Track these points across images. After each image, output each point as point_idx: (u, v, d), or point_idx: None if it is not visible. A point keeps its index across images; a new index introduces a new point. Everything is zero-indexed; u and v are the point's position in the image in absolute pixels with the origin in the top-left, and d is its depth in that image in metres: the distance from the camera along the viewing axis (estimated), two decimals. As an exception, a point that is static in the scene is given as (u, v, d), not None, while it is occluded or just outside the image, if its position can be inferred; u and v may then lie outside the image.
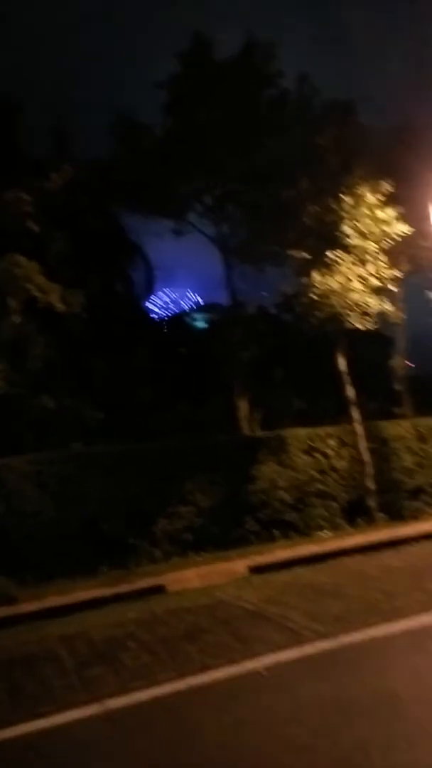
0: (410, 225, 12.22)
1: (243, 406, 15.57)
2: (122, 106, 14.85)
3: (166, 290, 46.20)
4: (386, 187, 11.95)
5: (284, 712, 3.99)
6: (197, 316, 31.57)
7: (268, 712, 4.03)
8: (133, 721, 4.22)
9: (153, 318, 28.33)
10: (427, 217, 12.95)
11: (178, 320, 29.70)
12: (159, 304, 43.06)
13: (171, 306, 45.25)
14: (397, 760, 3.11)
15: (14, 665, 5.85)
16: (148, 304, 26.44)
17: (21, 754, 3.98)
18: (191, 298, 47.89)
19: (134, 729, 4.08)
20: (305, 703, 4.10)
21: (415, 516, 12.33)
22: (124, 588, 8.62)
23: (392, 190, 11.98)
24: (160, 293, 44.17)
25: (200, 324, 29.50)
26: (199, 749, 3.65)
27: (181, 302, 47.02)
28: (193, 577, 9.10)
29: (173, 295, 48.20)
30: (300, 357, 20.39)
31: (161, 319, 30.94)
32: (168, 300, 46.29)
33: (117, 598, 8.19)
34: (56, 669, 5.52)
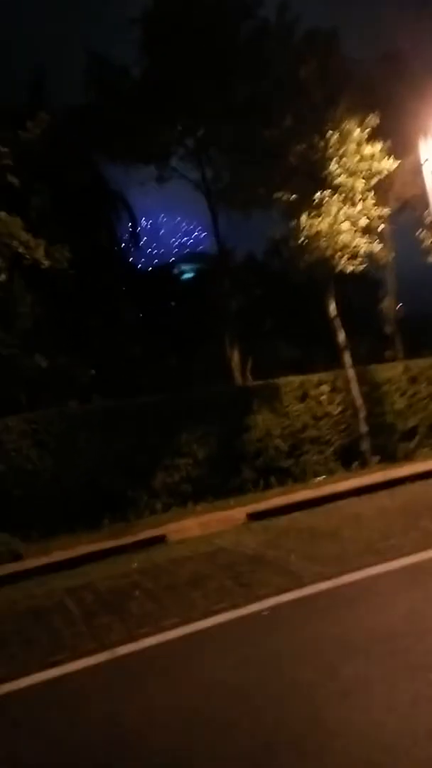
0: (398, 159, 11.89)
1: (234, 357, 15.54)
2: (95, 46, 14.02)
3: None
4: (373, 120, 11.55)
5: (287, 652, 4.15)
6: (184, 266, 31.08)
7: (271, 652, 4.19)
8: (142, 666, 4.38)
9: (140, 270, 27.87)
10: (416, 150, 12.57)
11: (166, 271, 29.25)
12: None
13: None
14: (398, 694, 3.25)
15: (24, 618, 6.04)
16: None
17: (37, 701, 4.15)
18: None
19: (143, 674, 4.25)
20: (307, 642, 4.26)
21: (408, 457, 12.57)
22: (126, 540, 8.83)
23: (378, 123, 11.58)
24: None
25: (188, 275, 29.09)
26: (206, 689, 3.81)
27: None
28: (193, 526, 9.31)
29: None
30: (289, 304, 20.26)
31: (149, 269, 30.45)
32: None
33: (120, 550, 8.40)
34: (65, 620, 5.70)
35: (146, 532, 9.17)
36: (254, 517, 9.21)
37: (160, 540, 8.71)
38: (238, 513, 9.62)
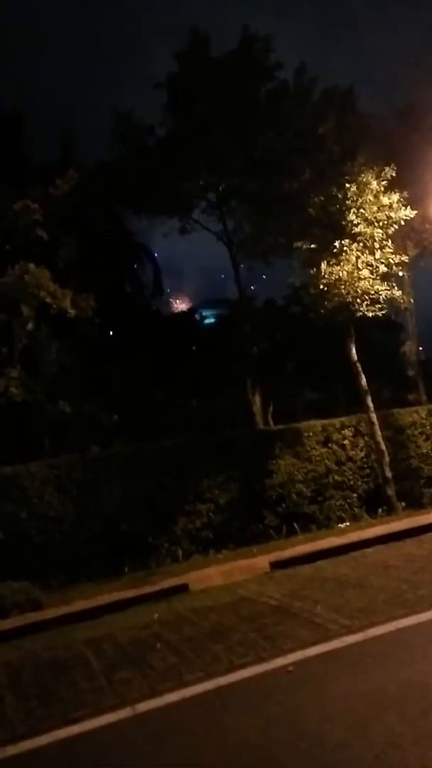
0: (415, 208, 12.11)
1: (256, 401, 15.55)
2: (122, 107, 14.68)
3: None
4: (390, 172, 11.85)
5: (315, 710, 3.99)
6: (206, 311, 31.59)
7: (298, 710, 4.04)
8: (163, 724, 4.24)
9: (163, 316, 28.36)
10: (432, 199, 12.82)
11: (187, 316, 29.72)
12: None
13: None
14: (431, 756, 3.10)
15: (43, 670, 5.92)
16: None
17: (56, 761, 4.03)
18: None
19: (165, 732, 4.11)
20: (336, 700, 4.10)
21: (435, 503, 12.27)
22: (147, 589, 8.68)
23: (395, 175, 11.87)
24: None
25: (209, 320, 29.53)
26: (231, 750, 3.67)
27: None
28: (215, 575, 9.14)
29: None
30: (310, 348, 20.35)
31: (171, 315, 30.99)
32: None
33: (141, 599, 8.25)
34: (85, 673, 5.57)
35: (168, 581, 9.00)
36: (278, 565, 9.01)
37: (183, 589, 8.54)
38: (261, 561, 9.43)
